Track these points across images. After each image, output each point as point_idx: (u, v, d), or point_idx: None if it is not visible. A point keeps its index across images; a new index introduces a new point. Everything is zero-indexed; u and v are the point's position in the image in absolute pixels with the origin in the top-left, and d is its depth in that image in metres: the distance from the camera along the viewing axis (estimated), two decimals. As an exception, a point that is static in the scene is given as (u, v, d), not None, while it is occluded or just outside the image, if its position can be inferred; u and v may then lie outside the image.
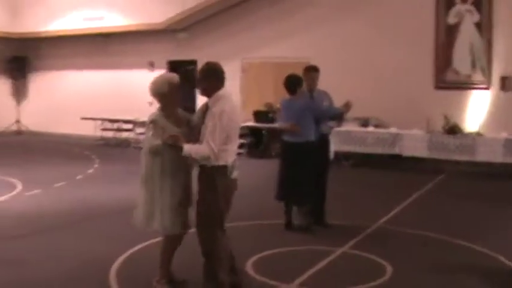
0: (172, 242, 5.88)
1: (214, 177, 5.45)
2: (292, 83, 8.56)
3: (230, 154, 5.53)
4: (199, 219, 5.57)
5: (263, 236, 8.33)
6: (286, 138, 8.62)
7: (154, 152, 5.65)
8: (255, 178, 13.65)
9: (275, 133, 16.06)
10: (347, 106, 8.80)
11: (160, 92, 5.76)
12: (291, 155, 8.51)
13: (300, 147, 8.44)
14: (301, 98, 8.61)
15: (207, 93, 5.58)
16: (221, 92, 5.57)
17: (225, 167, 5.47)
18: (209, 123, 5.37)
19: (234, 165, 5.61)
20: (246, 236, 8.23)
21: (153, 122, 5.72)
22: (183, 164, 5.65)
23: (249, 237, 8.24)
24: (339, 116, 9.59)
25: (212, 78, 5.57)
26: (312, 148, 8.53)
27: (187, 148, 5.36)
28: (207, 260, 5.63)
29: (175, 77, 5.79)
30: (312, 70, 8.96)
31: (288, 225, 8.65)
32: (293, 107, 8.54)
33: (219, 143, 5.35)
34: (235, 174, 5.61)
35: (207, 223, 5.54)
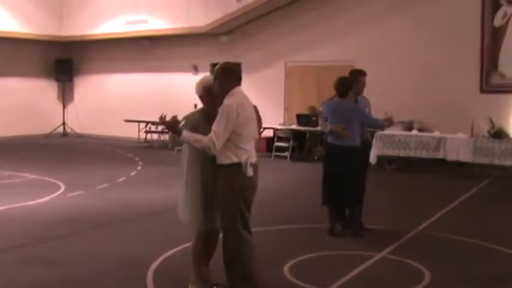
0: (199, 240, 5.88)
1: (230, 176, 5.43)
2: (345, 86, 8.51)
3: (244, 152, 5.47)
4: (222, 222, 5.58)
5: (302, 240, 8.31)
6: (333, 141, 8.57)
7: (172, 142, 5.87)
8: (298, 181, 13.73)
9: (320, 136, 16.05)
10: (389, 121, 8.73)
11: (198, 94, 5.84)
12: (339, 158, 8.45)
13: (347, 151, 8.41)
14: (350, 102, 8.58)
15: (221, 93, 5.56)
16: (235, 89, 5.56)
17: (239, 164, 5.41)
18: (218, 116, 5.42)
19: (251, 163, 5.49)
20: (285, 240, 8.30)
21: (185, 117, 5.81)
22: (205, 160, 5.60)
23: (288, 240, 8.28)
24: (379, 128, 9.58)
25: (225, 78, 5.55)
26: (357, 152, 8.52)
27: (186, 134, 5.40)
28: (227, 269, 5.59)
29: (211, 80, 5.81)
30: (361, 74, 8.92)
31: (332, 229, 8.63)
32: (342, 110, 8.48)
33: (222, 135, 5.32)
34: (250, 172, 5.48)
35: (230, 227, 5.51)
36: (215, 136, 5.30)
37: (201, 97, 5.85)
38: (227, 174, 5.45)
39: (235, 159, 5.43)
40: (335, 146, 8.53)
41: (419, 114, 15.96)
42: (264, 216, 8.77)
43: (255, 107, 5.77)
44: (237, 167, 5.43)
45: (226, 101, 5.47)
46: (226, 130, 5.34)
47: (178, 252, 7.30)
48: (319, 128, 14.99)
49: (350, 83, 8.59)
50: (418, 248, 7.88)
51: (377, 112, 8.98)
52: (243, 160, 5.43)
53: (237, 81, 5.61)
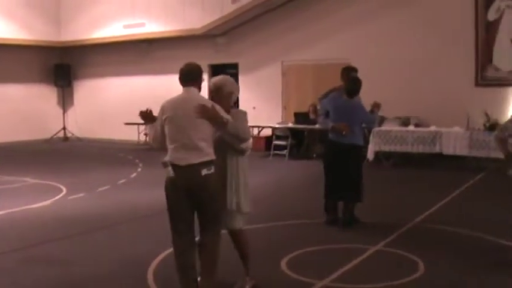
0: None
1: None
2: (357, 88, 8.68)
3: (170, 152, 5.52)
4: None
5: (300, 235, 8.45)
6: (335, 138, 8.72)
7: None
8: (296, 179, 13.82)
9: (318, 133, 16.16)
10: (377, 106, 8.90)
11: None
12: (341, 156, 8.64)
13: (350, 149, 8.63)
14: (354, 100, 8.73)
15: None
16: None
17: (165, 163, 5.51)
18: None
19: (172, 163, 5.46)
20: (282, 235, 8.44)
21: None
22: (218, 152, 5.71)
23: (286, 236, 8.41)
24: (374, 124, 9.74)
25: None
26: (360, 150, 8.74)
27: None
28: None
29: (218, 80, 5.95)
30: (353, 71, 9.04)
31: (334, 221, 8.81)
32: (347, 108, 8.64)
33: (152, 133, 5.73)
34: (169, 172, 5.46)
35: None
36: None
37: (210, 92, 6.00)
38: None
39: (165, 159, 5.56)
40: (337, 143, 8.67)
41: (416, 110, 16.11)
42: (262, 213, 8.93)
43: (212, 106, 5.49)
44: (165, 166, 5.53)
45: None
46: (152, 128, 5.72)
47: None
48: (317, 126, 15.20)
49: (360, 85, 8.74)
50: (414, 241, 7.98)
51: (368, 107, 9.12)
52: (166, 159, 5.51)
53: (181, 82, 5.69)
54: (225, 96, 5.83)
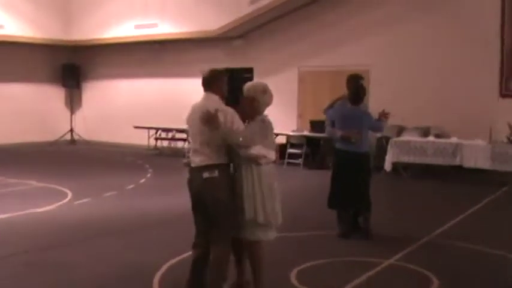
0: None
1: None
2: (361, 94, 8.89)
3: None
4: None
5: (311, 246, 8.59)
6: (343, 147, 8.88)
7: None
8: (311, 188, 13.90)
9: (330, 141, 16.26)
10: (385, 115, 9.06)
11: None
12: (350, 165, 8.82)
13: (359, 157, 8.82)
14: (361, 108, 8.91)
15: None
16: None
17: (185, 164, 6.15)
18: None
19: (188, 164, 6.11)
20: (293, 246, 8.55)
21: None
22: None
23: (297, 246, 8.55)
24: (380, 131, 9.93)
25: None
26: (368, 158, 8.89)
27: None
28: None
29: (246, 85, 6.17)
30: (360, 79, 9.19)
31: (347, 233, 8.95)
32: (354, 116, 8.83)
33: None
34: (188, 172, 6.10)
35: None
36: None
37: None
38: None
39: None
40: (346, 152, 8.84)
41: (436, 120, 16.14)
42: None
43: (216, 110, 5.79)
44: None
45: None
46: None
47: (184, 260, 7.41)
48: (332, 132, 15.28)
49: (364, 92, 8.95)
50: (429, 256, 8.04)
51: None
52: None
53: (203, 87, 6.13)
54: (245, 101, 6.08)
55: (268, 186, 6.03)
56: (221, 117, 5.66)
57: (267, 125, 6.03)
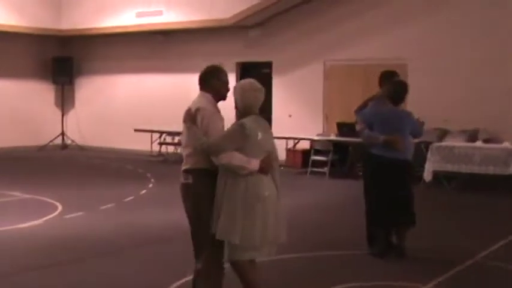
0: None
1: None
2: (402, 93, 8.84)
3: None
4: None
5: (340, 268, 8.55)
6: (382, 153, 8.80)
7: None
8: (338, 202, 13.84)
9: (363, 146, 16.19)
10: (421, 124, 9.08)
11: None
12: (391, 173, 8.76)
13: (401, 165, 8.78)
14: (400, 108, 8.88)
15: None
16: None
17: None
18: None
19: None
20: (320, 267, 8.54)
21: None
22: None
23: (324, 268, 8.52)
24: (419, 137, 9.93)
25: None
26: (410, 166, 8.93)
27: None
28: None
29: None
30: (396, 75, 9.17)
31: (384, 253, 8.91)
32: (396, 118, 8.79)
33: None
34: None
35: None
36: None
37: None
38: None
39: None
40: (386, 159, 8.75)
41: (485, 122, 16.00)
42: (296, 242, 8.88)
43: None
44: None
45: None
46: None
47: (189, 283, 7.46)
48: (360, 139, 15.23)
49: (407, 90, 8.89)
50: (473, 281, 7.99)
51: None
52: None
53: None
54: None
55: (254, 200, 5.85)
56: (199, 118, 5.85)
57: (235, 128, 5.86)
